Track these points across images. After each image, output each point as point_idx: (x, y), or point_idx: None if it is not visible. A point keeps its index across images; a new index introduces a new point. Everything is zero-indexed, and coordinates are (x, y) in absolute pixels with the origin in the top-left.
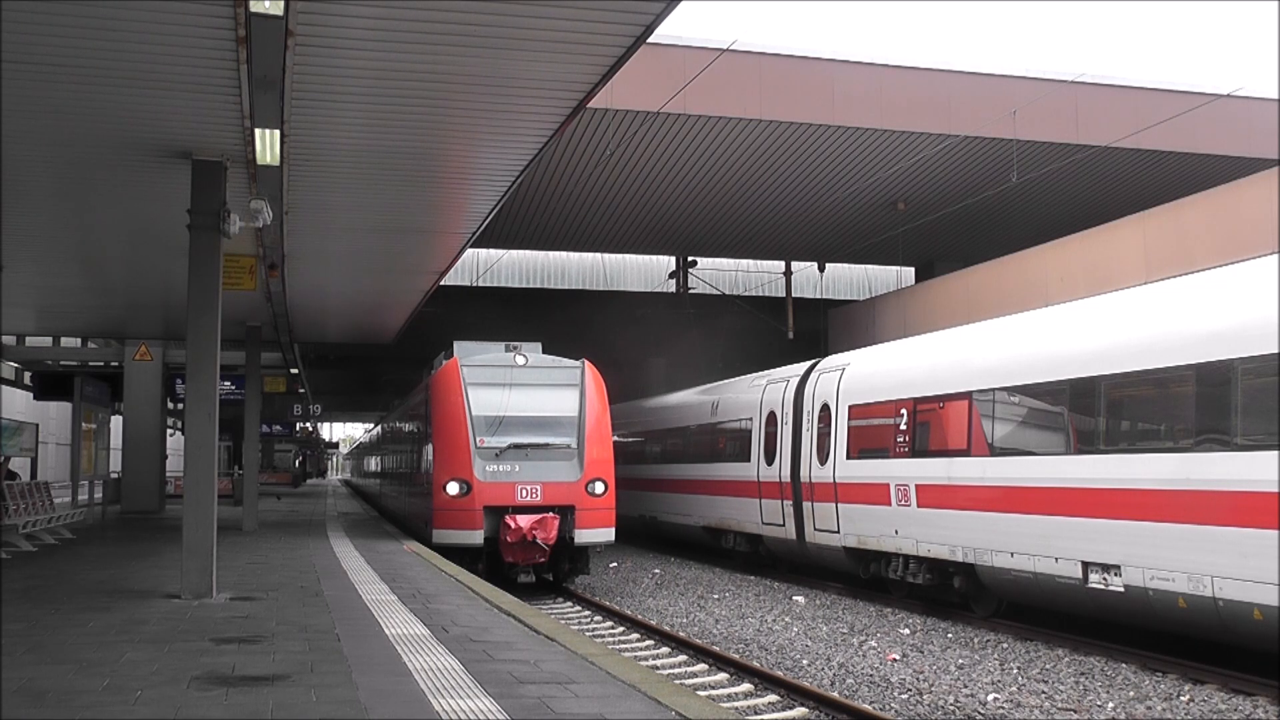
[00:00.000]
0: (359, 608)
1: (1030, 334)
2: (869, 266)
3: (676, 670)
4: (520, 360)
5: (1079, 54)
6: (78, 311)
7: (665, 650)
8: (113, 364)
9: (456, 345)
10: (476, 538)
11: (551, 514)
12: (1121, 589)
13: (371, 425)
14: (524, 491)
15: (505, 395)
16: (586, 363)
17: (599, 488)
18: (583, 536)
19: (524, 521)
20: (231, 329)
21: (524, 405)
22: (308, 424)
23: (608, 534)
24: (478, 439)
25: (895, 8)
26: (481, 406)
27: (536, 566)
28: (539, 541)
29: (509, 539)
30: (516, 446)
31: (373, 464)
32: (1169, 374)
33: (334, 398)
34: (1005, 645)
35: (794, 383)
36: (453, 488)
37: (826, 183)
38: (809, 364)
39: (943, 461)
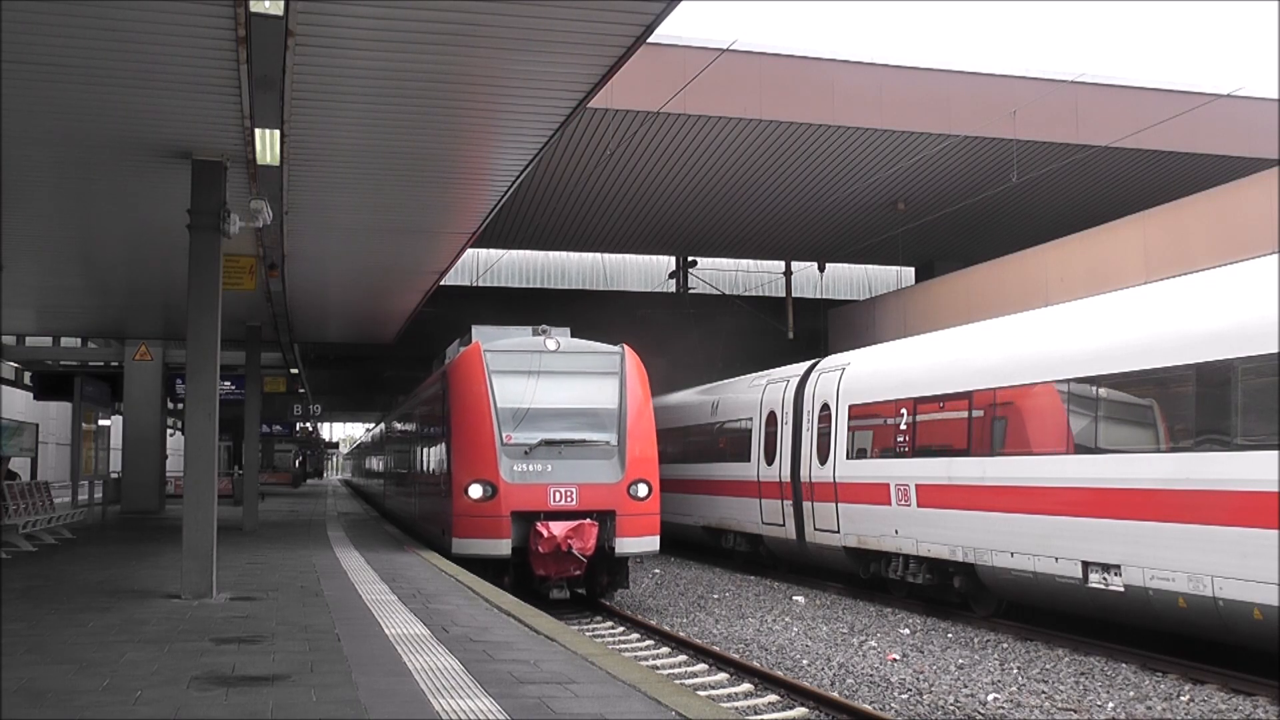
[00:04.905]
0: (359, 607)
1: (1028, 333)
2: (869, 266)
3: (676, 670)
4: (551, 345)
5: (1079, 54)
6: (78, 311)
7: (665, 650)
8: (113, 364)
9: (476, 329)
10: (503, 548)
11: (589, 520)
12: (1121, 589)
13: (372, 425)
14: (557, 495)
15: (535, 385)
16: (626, 348)
17: (642, 490)
18: (624, 546)
19: (558, 529)
20: (231, 329)
21: (556, 396)
22: (308, 424)
23: (652, 543)
24: (504, 435)
25: (895, 8)
26: (508, 397)
27: (570, 580)
28: (575, 552)
29: (541, 549)
30: (548, 443)
31: (378, 464)
32: (1169, 374)
33: (334, 398)
34: (1005, 645)
35: (794, 383)
36: (475, 491)
37: (826, 183)
38: (809, 364)
39: (943, 461)
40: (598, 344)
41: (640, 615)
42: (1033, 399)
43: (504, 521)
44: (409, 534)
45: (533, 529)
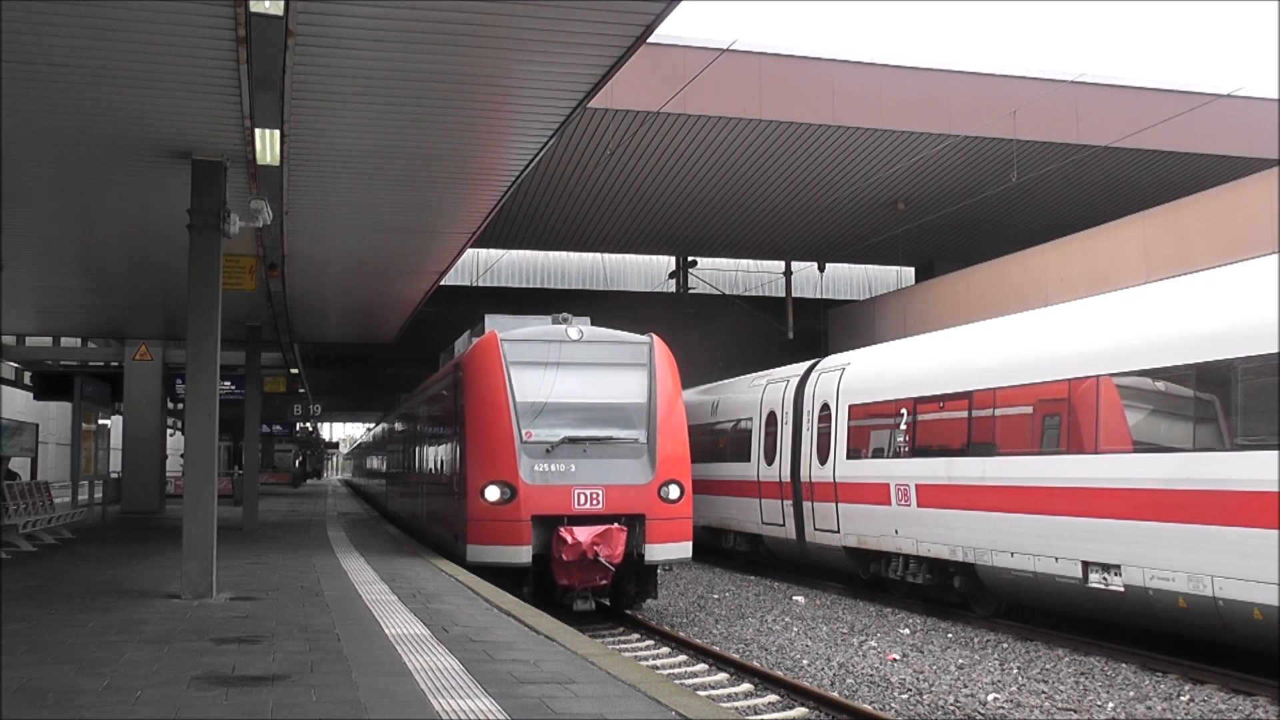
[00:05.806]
0: (359, 607)
1: (1028, 333)
2: (869, 266)
3: (676, 670)
4: (573, 334)
5: (1079, 54)
6: (78, 311)
7: (665, 650)
8: (113, 364)
9: (489, 318)
10: (523, 555)
11: (617, 525)
12: (1121, 589)
13: (372, 425)
14: (582, 497)
15: (556, 377)
16: (655, 337)
17: (674, 492)
18: (655, 553)
19: (583, 535)
20: (231, 329)
21: (580, 389)
22: (308, 424)
23: (684, 549)
24: (523, 432)
25: (895, 8)
26: (527, 391)
27: (595, 590)
28: (602, 560)
29: (564, 557)
30: (572, 441)
31: (381, 464)
32: (1168, 374)
33: (334, 398)
34: (1005, 645)
35: (794, 383)
36: (492, 493)
37: (826, 183)
38: (809, 364)
39: (943, 461)
40: (624, 333)
41: (640, 615)
42: (1033, 400)
43: (523, 526)
44: (415, 539)
45: (555, 535)
